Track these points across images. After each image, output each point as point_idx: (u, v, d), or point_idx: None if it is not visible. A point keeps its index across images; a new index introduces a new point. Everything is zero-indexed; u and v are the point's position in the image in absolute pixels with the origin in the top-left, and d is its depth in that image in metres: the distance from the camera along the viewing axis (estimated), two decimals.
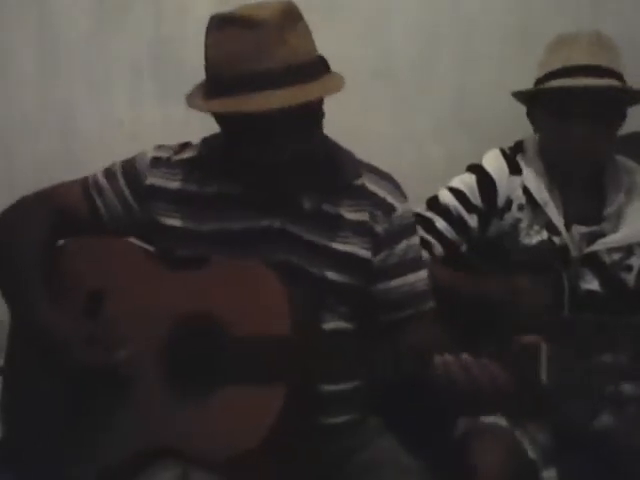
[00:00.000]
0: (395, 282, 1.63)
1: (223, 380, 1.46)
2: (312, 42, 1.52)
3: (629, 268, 1.86)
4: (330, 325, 1.57)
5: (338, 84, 1.50)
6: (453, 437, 1.79)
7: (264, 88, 1.43)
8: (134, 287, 1.58)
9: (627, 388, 1.72)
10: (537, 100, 1.86)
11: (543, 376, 1.40)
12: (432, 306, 1.67)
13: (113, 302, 1.58)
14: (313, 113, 1.52)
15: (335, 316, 1.58)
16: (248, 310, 1.47)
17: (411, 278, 1.64)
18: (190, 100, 1.54)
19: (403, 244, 1.63)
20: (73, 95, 2.17)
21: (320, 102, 1.52)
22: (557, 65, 1.80)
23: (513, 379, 1.41)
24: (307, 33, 1.52)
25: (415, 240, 1.66)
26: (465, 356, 1.42)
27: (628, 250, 1.86)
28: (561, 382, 1.41)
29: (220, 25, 1.48)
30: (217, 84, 1.49)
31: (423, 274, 1.66)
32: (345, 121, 2.26)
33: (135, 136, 2.15)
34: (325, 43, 2.18)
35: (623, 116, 1.84)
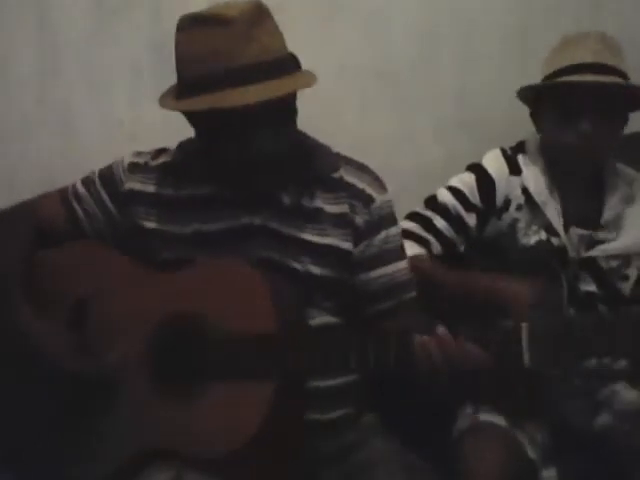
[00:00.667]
0: (375, 273, 1.63)
1: (211, 379, 1.47)
2: (282, 39, 1.52)
3: (625, 277, 1.86)
4: (317, 321, 1.57)
5: (310, 80, 1.50)
6: (451, 434, 1.80)
7: (236, 85, 1.43)
8: (119, 290, 1.59)
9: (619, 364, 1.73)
10: (541, 101, 1.86)
11: (526, 358, 1.39)
12: (413, 296, 1.67)
13: (99, 306, 1.59)
14: (287, 109, 1.52)
15: (322, 311, 1.59)
16: (234, 309, 1.48)
17: (391, 269, 1.64)
18: (162, 101, 1.55)
19: (382, 235, 1.62)
20: (73, 95, 2.17)
21: (294, 99, 1.52)
22: (564, 63, 1.80)
23: (492, 358, 1.40)
24: (276, 30, 1.52)
25: (394, 231, 1.65)
26: (441, 329, 1.42)
27: (626, 259, 1.86)
28: (544, 364, 1.40)
29: (190, 25, 1.48)
30: (188, 83, 1.49)
31: (403, 264, 1.66)
32: (345, 121, 2.27)
33: (135, 136, 2.15)
34: (325, 43, 2.20)
35: (625, 119, 1.85)
